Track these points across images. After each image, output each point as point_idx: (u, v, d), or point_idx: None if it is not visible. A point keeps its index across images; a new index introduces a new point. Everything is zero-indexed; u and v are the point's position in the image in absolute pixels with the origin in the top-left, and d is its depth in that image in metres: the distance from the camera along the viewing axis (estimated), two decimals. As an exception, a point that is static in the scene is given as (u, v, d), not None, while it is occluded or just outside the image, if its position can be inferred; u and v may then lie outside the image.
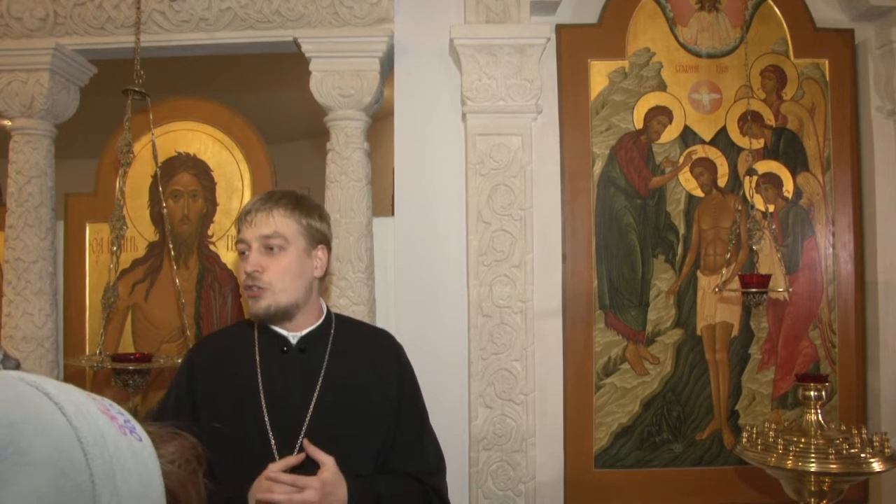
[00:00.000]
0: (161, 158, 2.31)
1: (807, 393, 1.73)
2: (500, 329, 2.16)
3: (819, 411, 1.73)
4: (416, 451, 1.57)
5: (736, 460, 2.12)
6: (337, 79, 2.22)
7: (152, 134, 2.19)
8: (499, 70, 2.18)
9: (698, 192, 2.30)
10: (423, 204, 2.28)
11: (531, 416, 2.16)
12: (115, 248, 2.05)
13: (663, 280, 2.28)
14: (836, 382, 2.27)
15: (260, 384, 1.51)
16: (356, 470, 1.46)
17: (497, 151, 2.19)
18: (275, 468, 1.38)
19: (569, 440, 2.25)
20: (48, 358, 2.28)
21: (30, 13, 2.23)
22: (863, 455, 1.60)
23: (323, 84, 2.22)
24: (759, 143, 2.28)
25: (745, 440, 1.76)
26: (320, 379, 1.52)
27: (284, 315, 1.52)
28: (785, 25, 2.31)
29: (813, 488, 1.65)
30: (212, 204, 2.46)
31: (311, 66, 2.24)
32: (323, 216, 1.58)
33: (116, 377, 1.91)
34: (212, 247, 2.44)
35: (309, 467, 1.41)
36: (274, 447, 1.46)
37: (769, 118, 2.30)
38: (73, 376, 2.38)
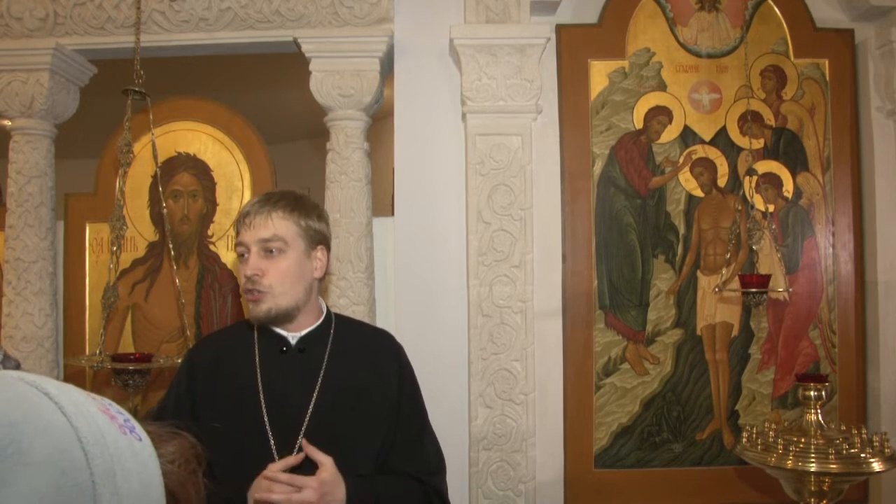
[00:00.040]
0: (161, 158, 2.31)
1: (807, 393, 1.73)
2: (500, 329, 2.16)
3: (819, 411, 1.73)
4: (416, 451, 1.57)
5: (736, 460, 2.12)
6: (337, 79, 2.22)
7: (152, 134, 2.19)
8: (499, 70, 2.18)
9: (698, 192, 2.30)
10: (423, 204, 2.28)
11: (531, 416, 2.16)
12: (115, 248, 2.05)
13: (663, 280, 2.28)
14: (836, 382, 2.27)
15: (259, 384, 1.51)
16: (356, 470, 1.46)
17: (497, 151, 2.19)
18: (274, 468, 1.38)
19: (569, 440, 2.25)
20: (48, 358, 2.28)
21: (30, 13, 2.23)
22: (863, 455, 1.60)
23: (323, 84, 2.22)
24: (759, 143, 2.28)
25: (745, 440, 1.76)
26: (320, 379, 1.52)
27: (285, 317, 1.52)
28: (785, 25, 2.31)
29: (813, 488, 1.65)
30: (212, 204, 2.46)
31: (311, 66, 2.24)
32: (322, 216, 1.58)
33: (116, 377, 1.91)
34: (212, 247, 2.44)
35: (308, 467, 1.41)
36: (273, 447, 1.46)
37: (769, 118, 2.30)
38: (73, 376, 2.38)
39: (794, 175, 2.31)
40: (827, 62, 2.32)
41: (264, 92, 4.68)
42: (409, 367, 1.64)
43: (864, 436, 1.66)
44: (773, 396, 2.28)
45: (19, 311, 2.26)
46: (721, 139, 2.31)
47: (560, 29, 2.31)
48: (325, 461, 1.40)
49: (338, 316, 1.65)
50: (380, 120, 2.62)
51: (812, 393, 1.72)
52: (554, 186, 2.28)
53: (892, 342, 2.26)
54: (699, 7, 2.32)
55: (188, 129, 2.48)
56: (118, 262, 2.08)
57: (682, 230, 2.29)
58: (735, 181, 2.29)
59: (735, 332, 2.29)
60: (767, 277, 2.10)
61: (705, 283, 2.28)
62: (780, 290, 2.19)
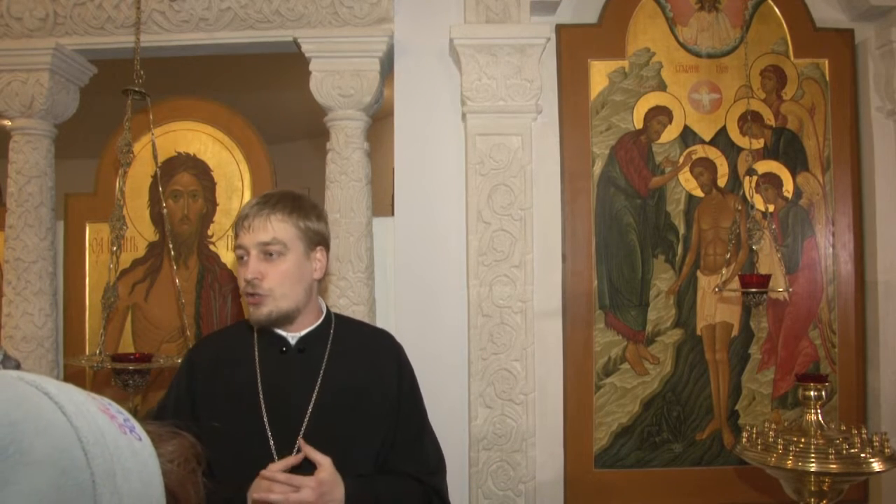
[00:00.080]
0: (161, 158, 2.31)
1: (807, 393, 1.73)
2: (500, 329, 2.16)
3: (819, 411, 1.73)
4: (416, 451, 1.57)
5: (736, 460, 2.12)
6: (337, 79, 2.22)
7: (152, 134, 2.19)
8: (499, 70, 2.18)
9: (698, 192, 2.30)
10: (423, 204, 2.28)
11: (531, 416, 2.16)
12: (115, 248, 2.05)
13: (663, 280, 2.28)
14: (836, 382, 2.27)
15: (259, 384, 1.51)
16: (356, 470, 1.46)
17: (497, 151, 2.19)
18: (274, 468, 1.38)
19: (569, 440, 2.25)
20: (48, 358, 2.28)
21: (30, 13, 2.23)
22: (863, 455, 1.60)
23: (323, 84, 2.22)
24: (758, 143, 2.28)
25: (745, 440, 1.76)
26: (319, 379, 1.52)
27: (286, 319, 1.52)
28: (785, 25, 2.31)
29: (813, 488, 1.65)
30: (212, 204, 2.46)
31: (311, 66, 2.24)
32: (320, 216, 1.58)
33: (116, 377, 1.91)
34: (212, 247, 2.44)
35: (308, 468, 1.40)
36: (273, 447, 1.46)
37: (769, 118, 2.30)
38: (73, 376, 2.38)
39: (794, 175, 2.31)
40: (827, 62, 2.32)
41: (264, 92, 4.68)
42: (408, 366, 1.64)
43: (864, 436, 1.66)
44: (773, 396, 2.28)
45: (19, 311, 2.26)
46: (721, 139, 2.31)
47: (560, 29, 2.31)
48: (324, 461, 1.40)
49: (338, 316, 1.65)
50: (380, 120, 2.62)
51: (812, 393, 1.72)
52: (554, 186, 2.28)
53: (892, 342, 2.26)
54: (699, 7, 2.32)
55: (188, 129, 2.48)
56: (118, 262, 2.08)
57: (682, 230, 2.29)
58: (735, 181, 2.29)
59: (735, 332, 2.29)
60: (767, 277, 2.10)
61: (705, 283, 2.28)
62: (780, 290, 2.20)
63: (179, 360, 1.74)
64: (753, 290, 2.07)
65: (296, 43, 2.24)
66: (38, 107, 2.26)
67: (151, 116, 2.16)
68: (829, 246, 2.30)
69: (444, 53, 2.29)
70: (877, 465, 1.59)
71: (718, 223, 2.29)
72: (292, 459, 1.41)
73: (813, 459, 1.61)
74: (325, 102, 2.24)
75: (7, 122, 2.32)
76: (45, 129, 2.32)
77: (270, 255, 1.48)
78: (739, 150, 2.29)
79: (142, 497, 0.46)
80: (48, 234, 2.31)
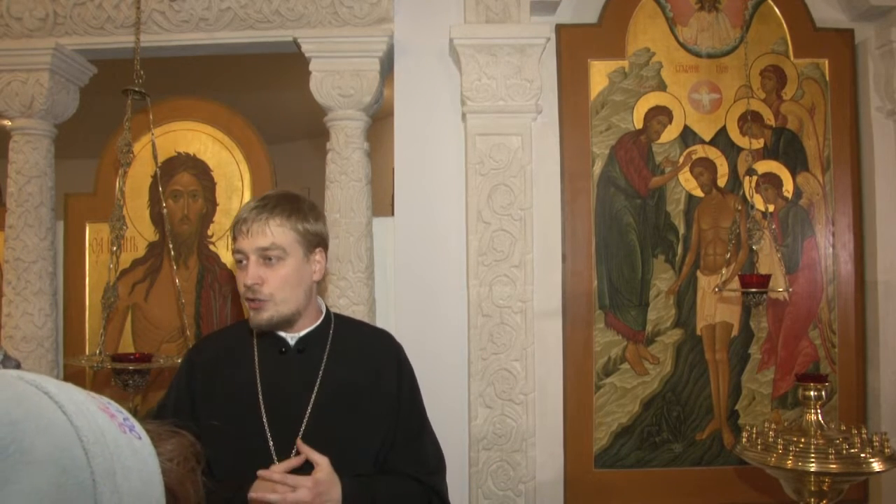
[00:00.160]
0: (161, 158, 2.31)
1: (807, 393, 1.73)
2: (500, 329, 2.16)
3: (819, 411, 1.73)
4: (416, 451, 1.57)
5: (736, 460, 2.12)
6: (337, 79, 2.22)
7: (152, 134, 2.19)
8: (499, 70, 2.18)
9: (698, 192, 2.30)
10: (423, 204, 2.28)
11: (531, 416, 2.16)
12: (115, 248, 2.05)
13: (663, 280, 2.28)
14: (836, 382, 2.27)
15: (259, 384, 1.51)
16: (355, 470, 1.46)
17: (497, 151, 2.19)
18: (277, 469, 1.38)
19: (569, 440, 2.25)
20: (48, 358, 2.28)
21: (30, 13, 2.23)
22: (863, 455, 1.60)
23: (323, 84, 2.22)
24: (758, 143, 2.28)
25: (745, 440, 1.76)
26: (318, 379, 1.52)
27: (287, 323, 1.52)
28: (785, 25, 2.31)
29: (813, 488, 1.65)
30: (212, 204, 2.46)
31: (311, 66, 2.24)
32: (319, 217, 1.57)
33: (116, 377, 1.91)
34: (212, 247, 2.44)
35: (308, 468, 1.41)
36: (272, 448, 1.47)
37: (769, 118, 2.30)
38: (73, 376, 2.38)
39: (793, 175, 2.31)
40: (827, 62, 2.32)
41: (264, 92, 4.68)
42: (408, 366, 1.64)
43: (864, 436, 1.66)
44: (773, 396, 2.28)
45: (19, 311, 2.26)
46: (721, 139, 2.31)
47: (560, 29, 2.31)
48: (321, 461, 1.40)
49: (337, 316, 1.65)
50: (380, 120, 2.62)
51: (812, 393, 1.72)
52: (554, 186, 2.28)
53: (892, 342, 2.26)
54: (699, 7, 2.32)
55: (188, 129, 2.48)
56: (118, 262, 2.08)
57: (681, 230, 2.29)
58: (735, 181, 2.29)
59: (735, 332, 2.29)
60: (767, 277, 2.10)
61: (705, 283, 2.28)
62: (780, 290, 2.20)
63: (179, 360, 1.74)
64: (753, 290, 2.08)
65: (296, 43, 2.24)
66: (38, 107, 2.26)
67: (151, 116, 2.17)
68: (829, 246, 2.30)
69: (444, 53, 2.29)
70: (877, 465, 1.59)
71: (718, 223, 2.29)
72: (294, 461, 1.41)
73: (813, 459, 1.61)
74: (324, 102, 2.24)
75: (7, 122, 2.32)
76: (44, 129, 2.32)
77: (270, 259, 1.47)
78: (739, 150, 2.29)
79: (142, 495, 0.46)
80: (48, 234, 2.31)
